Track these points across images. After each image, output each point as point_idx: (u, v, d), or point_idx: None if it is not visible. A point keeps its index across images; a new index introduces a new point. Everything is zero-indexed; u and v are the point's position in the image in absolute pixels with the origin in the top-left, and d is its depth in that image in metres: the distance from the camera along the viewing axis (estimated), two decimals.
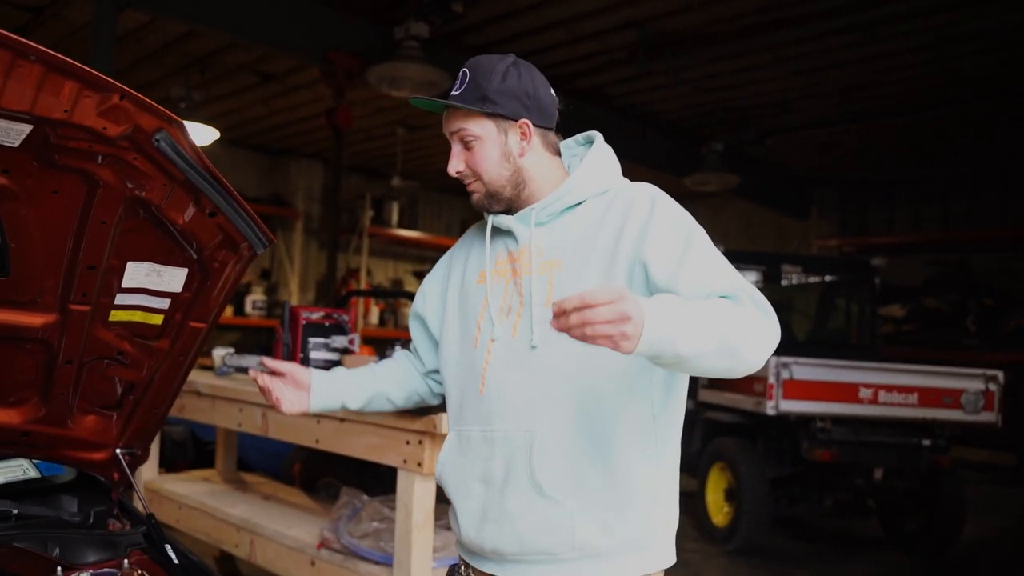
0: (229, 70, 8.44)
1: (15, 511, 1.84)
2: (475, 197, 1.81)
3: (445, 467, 1.84)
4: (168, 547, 1.89)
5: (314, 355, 3.69)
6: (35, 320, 1.72)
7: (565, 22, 7.11)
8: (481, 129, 1.75)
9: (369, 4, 6.97)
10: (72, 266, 1.66)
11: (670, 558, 1.78)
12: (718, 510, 6.83)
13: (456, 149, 1.79)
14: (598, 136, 1.88)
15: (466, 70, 1.76)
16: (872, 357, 7.06)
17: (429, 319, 1.98)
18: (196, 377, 4.23)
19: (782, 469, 6.58)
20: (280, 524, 3.66)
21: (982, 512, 7.49)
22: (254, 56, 8.00)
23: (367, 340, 11.16)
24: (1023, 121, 9.02)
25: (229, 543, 3.82)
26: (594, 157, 1.82)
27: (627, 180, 1.84)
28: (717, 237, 9.86)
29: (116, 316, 1.80)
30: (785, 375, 6.03)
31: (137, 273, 1.73)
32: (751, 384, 6.32)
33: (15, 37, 1.27)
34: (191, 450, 6.17)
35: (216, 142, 9.04)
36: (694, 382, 5.10)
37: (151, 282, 1.77)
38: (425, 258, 13.41)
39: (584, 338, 1.33)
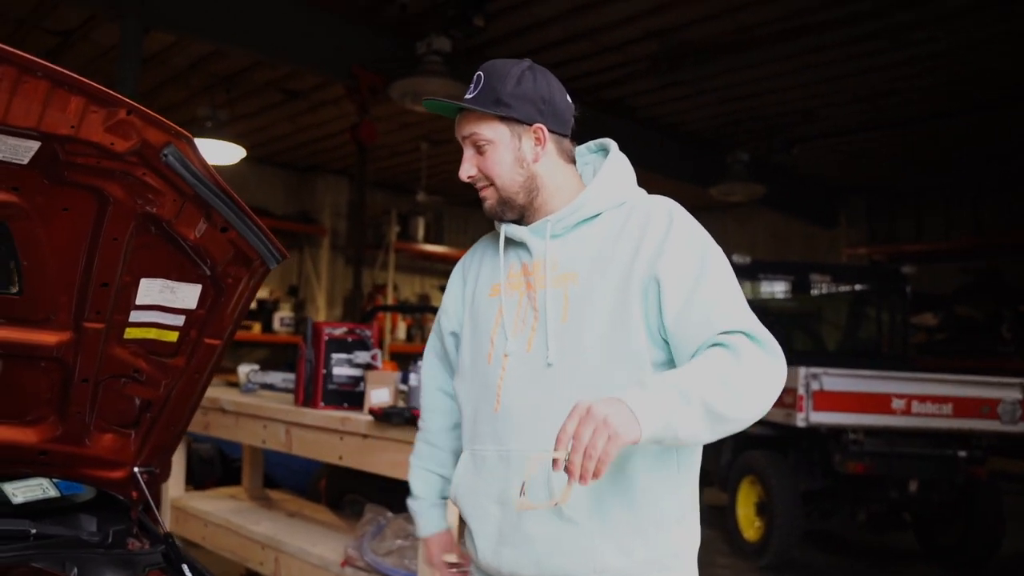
0: (254, 88, 8.52)
1: (33, 530, 1.83)
2: (487, 204, 1.76)
3: (460, 487, 1.79)
4: (185, 567, 1.87)
5: (337, 371, 3.69)
6: (49, 338, 1.72)
7: (587, 34, 7.11)
8: (494, 133, 1.71)
9: (392, 20, 7.01)
10: (85, 283, 1.65)
11: None
12: (749, 524, 6.73)
13: (468, 153, 1.74)
14: (613, 145, 1.83)
15: (481, 73, 1.72)
16: (904, 367, 6.94)
17: (460, 334, 1.90)
18: (221, 394, 4.25)
19: (814, 482, 6.46)
20: (304, 541, 3.65)
21: (1021, 524, 7.31)
22: (279, 74, 8.07)
23: (394, 355, 11.20)
24: None
25: (254, 561, 3.82)
26: (611, 168, 1.78)
27: (643, 191, 1.80)
28: (744, 248, 9.81)
29: (131, 333, 1.80)
30: (815, 386, 5.94)
31: (151, 290, 1.73)
32: (780, 396, 6.21)
33: (19, 53, 1.27)
34: (218, 467, 6.19)
35: (243, 160, 9.12)
36: None
37: (165, 299, 1.76)
38: (451, 273, 13.41)
39: (599, 464, 1.36)
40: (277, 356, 10.59)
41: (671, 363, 1.64)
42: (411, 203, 12.09)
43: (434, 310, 6.23)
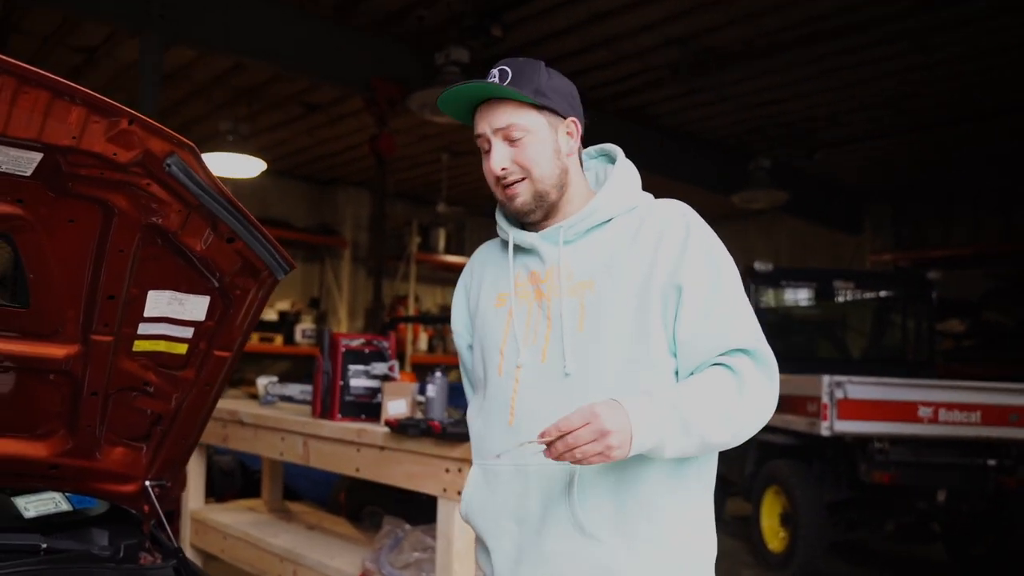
0: (275, 102, 8.58)
1: (44, 545, 1.83)
2: (519, 200, 1.67)
3: (472, 504, 1.74)
4: None
5: (354, 382, 3.68)
6: (58, 351, 1.71)
7: (606, 42, 7.08)
8: (533, 123, 1.65)
9: (410, 32, 7.03)
10: (92, 296, 1.64)
11: None
12: (773, 535, 6.64)
13: (499, 145, 1.65)
14: (619, 151, 1.80)
15: (506, 68, 1.65)
16: (930, 374, 6.85)
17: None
18: (239, 406, 4.26)
19: (839, 492, 6.36)
20: (322, 554, 3.64)
21: None
22: (298, 87, 8.12)
23: (416, 367, 11.20)
24: None
25: (272, 574, 3.81)
26: (621, 173, 1.75)
27: (650, 195, 1.77)
28: (768, 255, 9.73)
29: (140, 346, 1.79)
30: (839, 395, 5.86)
31: (159, 302, 1.72)
32: (804, 404, 6.15)
33: (18, 63, 1.26)
34: (239, 479, 6.20)
35: (264, 173, 9.17)
36: None
37: (173, 311, 1.75)
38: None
39: (577, 462, 1.42)
40: (299, 368, 10.62)
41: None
42: (432, 214, 12.10)
43: None
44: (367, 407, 3.63)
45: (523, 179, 1.66)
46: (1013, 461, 6.10)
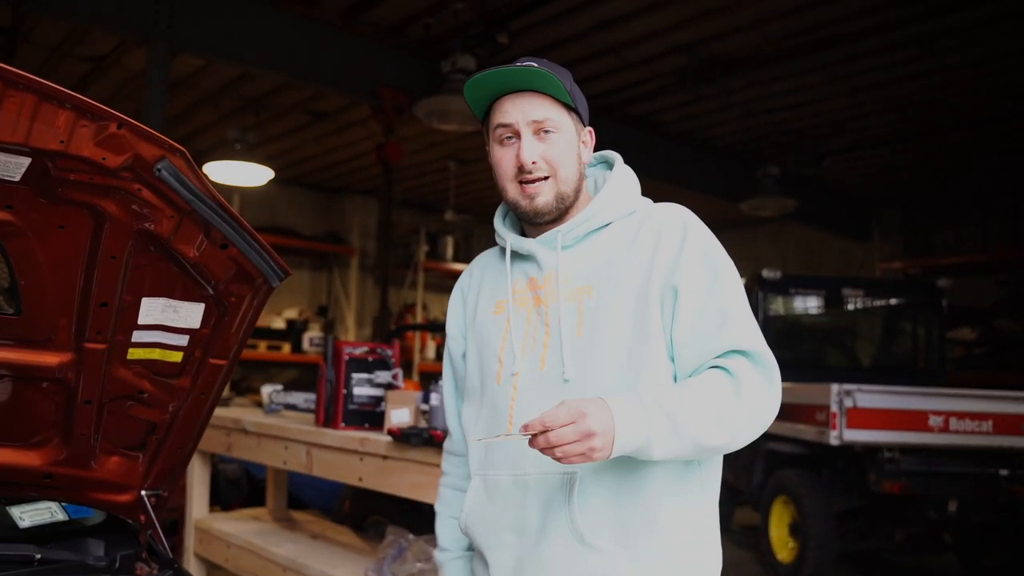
0: (282, 110, 8.60)
1: (38, 555, 1.80)
2: (541, 200, 1.62)
3: (472, 516, 1.71)
4: None
5: (357, 391, 3.66)
6: (51, 359, 1.69)
7: (612, 50, 7.07)
8: (565, 122, 1.63)
9: (416, 40, 7.03)
10: (85, 303, 1.62)
11: None
12: (782, 545, 6.58)
13: (530, 138, 1.60)
14: (617, 157, 1.78)
15: (534, 63, 1.59)
16: (941, 382, 6.78)
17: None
18: (243, 415, 4.24)
19: (849, 502, 6.30)
20: (326, 564, 3.61)
21: None
22: (306, 96, 8.14)
23: (423, 375, 11.18)
24: None
25: None
26: (619, 178, 1.72)
27: (649, 200, 1.74)
28: (776, 263, 9.69)
29: (134, 354, 1.77)
30: (848, 403, 5.81)
31: (153, 309, 1.70)
32: (813, 413, 6.10)
33: (4, 67, 1.25)
34: (245, 487, 6.20)
35: (272, 181, 9.20)
36: None
37: (168, 318, 1.72)
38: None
39: (559, 460, 1.38)
40: (306, 376, 10.63)
41: None
42: (440, 222, 12.12)
43: None
44: (371, 416, 3.61)
45: (547, 177, 1.62)
46: None
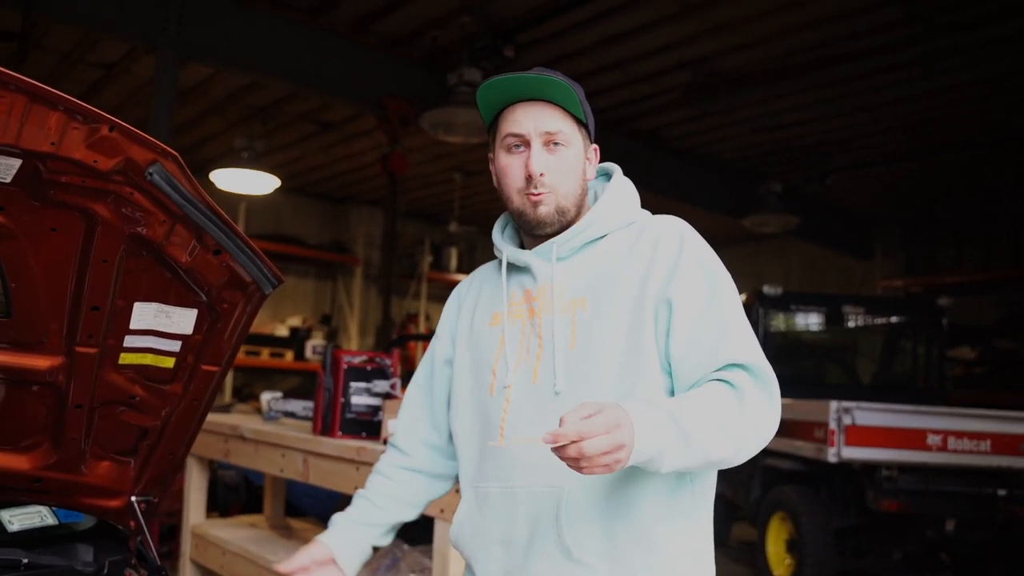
0: (289, 120, 8.64)
1: (25, 560, 1.78)
2: (543, 210, 1.61)
3: (462, 529, 1.70)
4: None
5: (355, 400, 3.67)
6: (41, 362, 1.69)
7: (618, 65, 7.10)
8: (575, 136, 1.63)
9: (423, 52, 7.08)
10: (76, 307, 1.63)
11: None
12: (779, 562, 6.56)
13: (540, 148, 1.60)
14: (616, 168, 1.77)
15: (550, 73, 1.60)
16: (940, 401, 6.78)
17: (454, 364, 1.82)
18: (241, 422, 4.25)
19: (847, 520, 6.29)
20: None
21: None
22: (313, 106, 8.18)
23: None
24: None
25: None
26: (616, 189, 1.71)
27: (648, 212, 1.74)
28: (778, 280, 9.67)
29: (126, 359, 1.77)
30: (847, 421, 5.81)
31: (145, 314, 1.71)
32: (812, 430, 6.09)
33: None
34: (243, 494, 6.20)
35: (278, 190, 9.24)
36: None
37: (160, 324, 1.73)
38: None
39: (579, 470, 1.29)
40: (308, 384, 10.62)
41: None
42: (444, 233, 12.15)
43: None
44: (368, 425, 3.61)
45: (551, 191, 1.62)
46: (1023, 491, 6.02)
